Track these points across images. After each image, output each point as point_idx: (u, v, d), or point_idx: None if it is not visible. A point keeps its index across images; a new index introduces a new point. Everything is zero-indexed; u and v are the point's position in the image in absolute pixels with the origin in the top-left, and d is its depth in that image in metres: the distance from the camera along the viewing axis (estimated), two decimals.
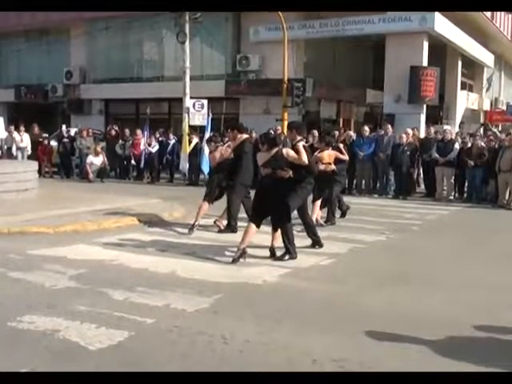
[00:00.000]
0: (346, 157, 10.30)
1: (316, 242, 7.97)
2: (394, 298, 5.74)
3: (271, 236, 7.45)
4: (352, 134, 16.00)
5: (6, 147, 18.53)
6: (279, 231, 7.37)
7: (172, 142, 17.52)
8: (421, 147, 14.79)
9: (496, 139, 14.91)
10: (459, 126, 24.68)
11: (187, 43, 17.51)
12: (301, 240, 7.71)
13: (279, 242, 7.35)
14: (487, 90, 29.94)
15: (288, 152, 7.29)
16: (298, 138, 7.67)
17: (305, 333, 4.66)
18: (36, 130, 19.32)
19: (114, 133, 18.98)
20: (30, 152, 18.38)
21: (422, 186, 15.61)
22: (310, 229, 8.01)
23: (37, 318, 4.89)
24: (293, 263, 7.07)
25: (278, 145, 7.47)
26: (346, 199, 11.61)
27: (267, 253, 7.35)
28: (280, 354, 4.23)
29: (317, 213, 9.61)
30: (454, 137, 14.84)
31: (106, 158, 17.47)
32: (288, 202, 7.27)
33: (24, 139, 18.48)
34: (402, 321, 5.00)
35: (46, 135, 19.32)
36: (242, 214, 9.42)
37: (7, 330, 4.63)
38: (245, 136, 9.33)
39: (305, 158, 7.24)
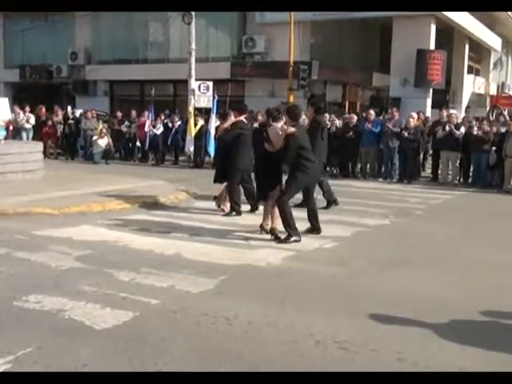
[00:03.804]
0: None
1: (315, 228, 7.88)
2: (398, 281, 5.77)
3: (271, 218, 7.47)
4: (355, 117, 15.67)
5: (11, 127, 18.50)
6: (277, 213, 7.37)
7: (177, 123, 17.49)
8: (432, 128, 14.79)
9: (505, 124, 14.76)
10: (465, 111, 24.52)
11: (193, 24, 17.35)
12: (304, 224, 7.71)
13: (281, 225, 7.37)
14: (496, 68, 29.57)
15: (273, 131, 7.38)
16: (293, 122, 7.55)
17: (308, 314, 4.69)
18: (43, 111, 19.27)
19: (115, 121, 18.83)
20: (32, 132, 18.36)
21: (428, 171, 15.55)
22: (313, 215, 7.93)
23: (42, 297, 4.94)
24: (297, 246, 7.09)
25: (278, 118, 7.50)
26: (351, 183, 11.58)
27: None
28: (283, 335, 4.27)
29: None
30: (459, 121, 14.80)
31: (110, 140, 17.47)
32: (285, 189, 7.32)
33: (30, 120, 18.45)
34: (404, 303, 5.02)
35: (57, 119, 19.19)
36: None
37: (13, 310, 4.68)
38: (234, 118, 9.18)
39: (276, 145, 7.26)
